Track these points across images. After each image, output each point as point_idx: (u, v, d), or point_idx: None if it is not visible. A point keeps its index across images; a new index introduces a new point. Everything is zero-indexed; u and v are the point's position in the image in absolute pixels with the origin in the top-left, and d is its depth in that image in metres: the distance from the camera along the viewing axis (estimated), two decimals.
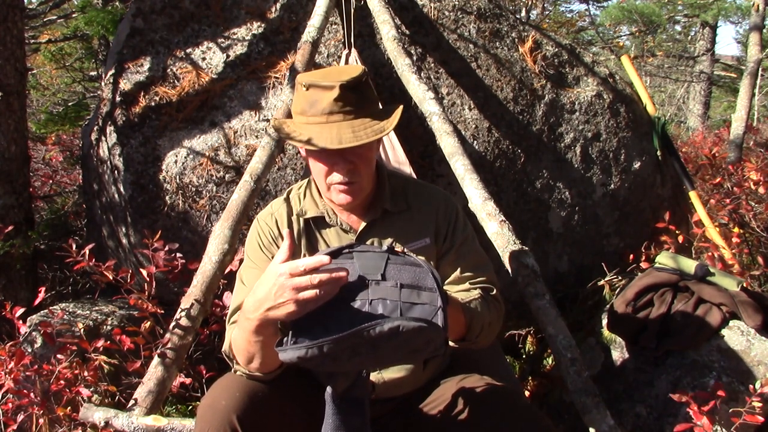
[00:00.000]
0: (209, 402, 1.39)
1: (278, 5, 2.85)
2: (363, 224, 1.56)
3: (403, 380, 1.56)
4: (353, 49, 2.70)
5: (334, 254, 1.24)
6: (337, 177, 1.44)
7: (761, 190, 3.30)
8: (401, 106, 1.50)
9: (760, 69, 6.61)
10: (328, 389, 1.26)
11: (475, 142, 2.79)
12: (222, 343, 1.49)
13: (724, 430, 1.89)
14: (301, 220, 1.58)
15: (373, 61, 2.78)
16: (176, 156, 2.66)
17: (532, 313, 1.98)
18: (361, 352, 1.15)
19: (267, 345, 1.29)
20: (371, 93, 1.49)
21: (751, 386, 1.80)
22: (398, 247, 1.35)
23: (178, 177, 2.64)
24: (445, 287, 1.54)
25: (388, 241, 1.54)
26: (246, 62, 2.77)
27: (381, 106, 1.54)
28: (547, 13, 9.56)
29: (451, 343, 1.49)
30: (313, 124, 1.41)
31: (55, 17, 5.74)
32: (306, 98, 1.43)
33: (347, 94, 1.40)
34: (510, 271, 2.03)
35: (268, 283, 1.18)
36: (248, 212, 2.27)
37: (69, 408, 2.05)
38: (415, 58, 2.77)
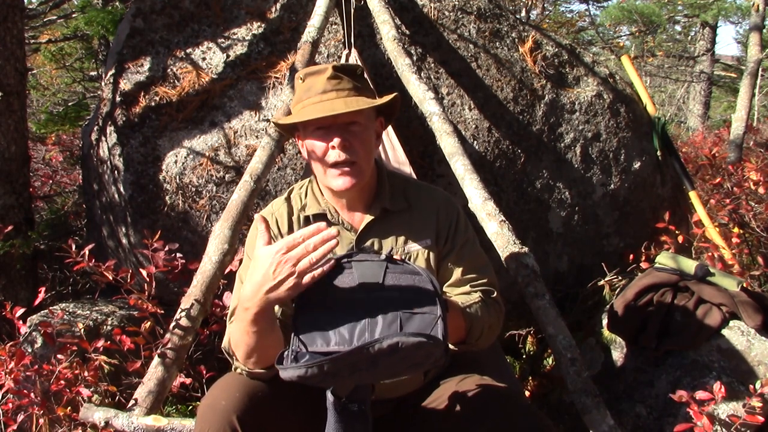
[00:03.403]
0: (209, 402, 1.39)
1: (278, 5, 2.85)
2: (363, 223, 1.56)
3: (402, 381, 1.56)
4: (353, 49, 2.69)
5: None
6: (333, 155, 1.45)
7: (761, 190, 3.30)
8: (396, 93, 1.53)
9: (760, 69, 6.61)
10: (330, 396, 1.26)
11: (475, 142, 2.79)
12: (222, 342, 1.49)
13: (724, 430, 1.89)
14: (302, 217, 1.58)
15: (373, 61, 2.78)
16: (176, 156, 2.66)
17: (532, 313, 1.98)
18: (360, 369, 1.15)
19: (265, 335, 1.29)
20: (367, 84, 1.53)
21: (751, 386, 1.80)
22: (396, 255, 1.35)
23: (178, 177, 2.64)
24: (445, 289, 1.55)
25: (391, 244, 1.54)
26: (246, 62, 2.77)
27: None
28: (547, 13, 9.55)
29: (450, 346, 1.49)
30: (308, 105, 1.45)
31: (55, 17, 5.74)
32: (303, 87, 1.48)
33: (340, 74, 1.45)
34: (510, 271, 2.03)
35: (263, 265, 1.20)
36: (248, 212, 2.27)
37: (69, 408, 2.05)
38: (415, 58, 2.77)
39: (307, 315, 1.18)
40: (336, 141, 1.43)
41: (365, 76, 1.55)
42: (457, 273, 1.56)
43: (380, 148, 2.57)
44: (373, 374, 1.21)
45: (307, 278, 1.18)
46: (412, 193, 1.61)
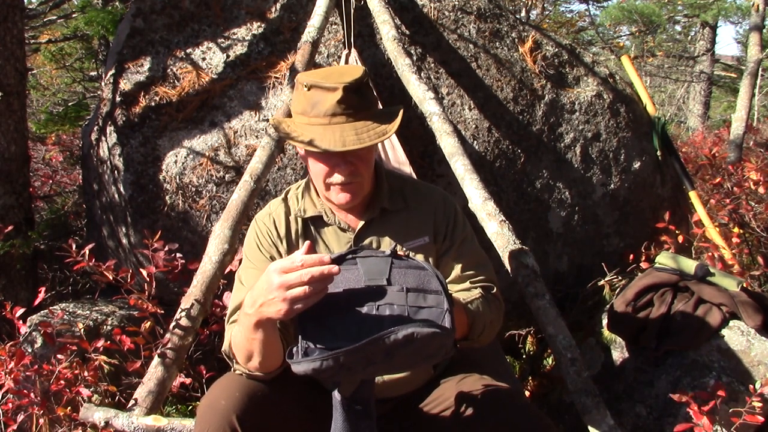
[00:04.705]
0: (209, 402, 1.39)
1: (278, 5, 2.85)
2: (361, 223, 1.56)
3: (402, 380, 1.56)
4: (353, 49, 2.69)
5: (338, 260, 1.23)
6: (338, 178, 1.45)
7: (761, 190, 3.30)
8: (401, 109, 1.50)
9: (760, 69, 6.61)
10: (336, 394, 1.26)
11: (475, 142, 2.79)
12: (222, 343, 1.49)
13: (724, 430, 1.89)
14: (299, 219, 1.58)
15: (373, 61, 2.78)
16: (176, 156, 2.66)
17: (532, 313, 1.98)
18: (375, 361, 1.14)
19: (266, 343, 1.29)
20: (371, 94, 1.51)
21: (751, 386, 1.80)
22: (400, 251, 1.35)
23: (178, 177, 2.64)
24: None
25: (389, 243, 1.54)
26: (246, 62, 2.77)
27: (381, 106, 1.55)
28: (547, 13, 9.55)
29: None
30: (315, 125, 1.41)
31: (55, 17, 5.74)
32: (308, 99, 1.43)
33: (350, 95, 1.40)
34: (510, 271, 2.03)
35: (263, 280, 1.19)
36: (248, 212, 2.27)
37: (69, 408, 2.05)
38: (415, 58, 2.77)
39: (314, 311, 1.18)
40: (341, 168, 1.43)
41: (369, 81, 1.53)
42: (456, 269, 1.56)
43: (380, 147, 2.57)
44: (387, 367, 1.21)
45: (298, 306, 1.13)
46: (409, 193, 1.61)
